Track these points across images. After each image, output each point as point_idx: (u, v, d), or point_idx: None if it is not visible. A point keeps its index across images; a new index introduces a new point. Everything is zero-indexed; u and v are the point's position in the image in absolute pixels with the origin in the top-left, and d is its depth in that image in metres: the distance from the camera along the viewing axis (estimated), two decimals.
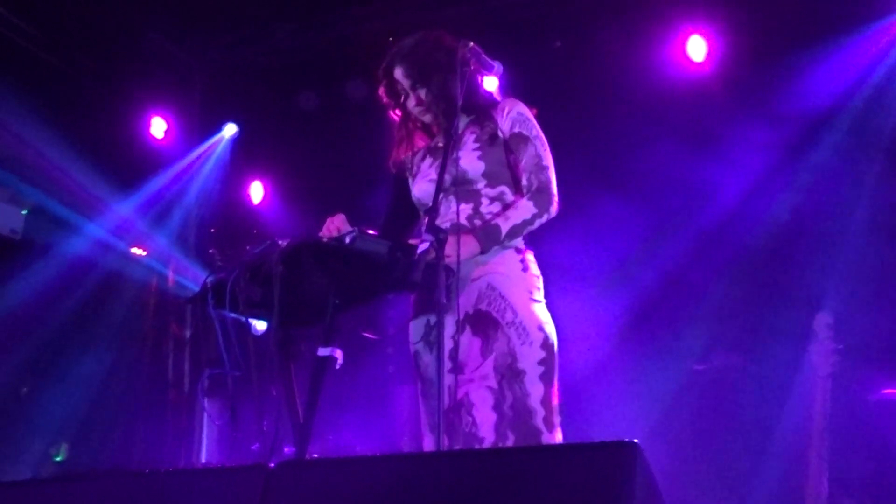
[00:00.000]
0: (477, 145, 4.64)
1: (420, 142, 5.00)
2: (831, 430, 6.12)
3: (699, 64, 8.83)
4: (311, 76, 10.31)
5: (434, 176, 4.63)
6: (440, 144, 4.78)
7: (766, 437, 7.99)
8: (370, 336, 4.98)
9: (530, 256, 4.58)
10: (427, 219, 4.13)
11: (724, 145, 8.64)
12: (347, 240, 4.21)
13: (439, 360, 3.86)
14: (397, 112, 5.01)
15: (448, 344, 4.36)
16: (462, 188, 4.56)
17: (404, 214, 4.98)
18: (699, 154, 8.64)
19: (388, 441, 9.37)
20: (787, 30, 8.43)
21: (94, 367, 10.09)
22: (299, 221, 10.36)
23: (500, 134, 4.64)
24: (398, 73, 4.84)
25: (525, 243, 4.58)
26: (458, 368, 4.38)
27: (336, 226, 4.47)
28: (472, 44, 4.49)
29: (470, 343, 4.43)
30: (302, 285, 4.32)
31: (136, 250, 10.44)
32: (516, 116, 4.65)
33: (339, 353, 4.35)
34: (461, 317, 4.41)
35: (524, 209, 4.46)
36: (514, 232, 4.44)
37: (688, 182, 8.68)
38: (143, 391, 10.30)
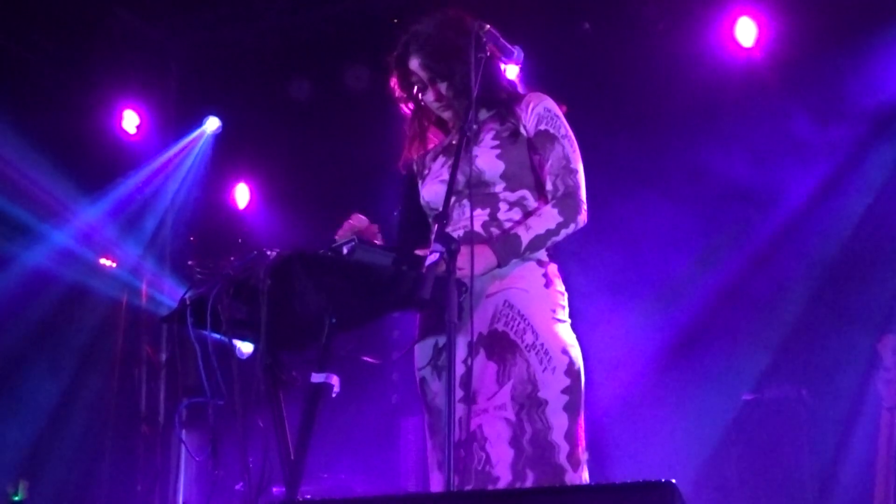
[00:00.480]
0: (496, 143, 4.63)
1: (434, 139, 5.00)
2: None
3: (749, 49, 8.86)
4: (304, 61, 10.34)
5: (446, 176, 4.57)
6: (454, 142, 4.70)
7: (826, 479, 8.01)
8: (371, 360, 5.00)
9: (554, 270, 4.56)
10: (437, 226, 4.10)
11: (777, 145, 8.67)
12: (345, 250, 4.22)
13: (449, 387, 3.83)
14: (409, 106, 5.00)
15: (459, 369, 4.34)
16: (478, 191, 4.54)
17: (419, 223, 4.94)
18: (749, 155, 8.67)
19: (391, 481, 9.39)
20: (850, 10, 8.45)
21: (56, 395, 10.13)
22: (290, 229, 10.40)
23: (522, 131, 4.63)
24: (414, 63, 4.82)
25: (549, 255, 4.56)
26: (470, 397, 4.35)
27: (352, 226, 4.49)
28: (488, 26, 4.50)
29: (484, 368, 4.40)
30: (293, 302, 4.33)
31: (104, 261, 10.48)
32: (543, 112, 4.63)
33: (335, 380, 4.36)
34: (474, 338, 4.37)
35: (548, 217, 4.45)
36: (536, 244, 4.42)
37: (738, 187, 8.71)
38: (111, 423, 10.32)
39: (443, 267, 3.95)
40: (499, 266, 4.40)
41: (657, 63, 8.88)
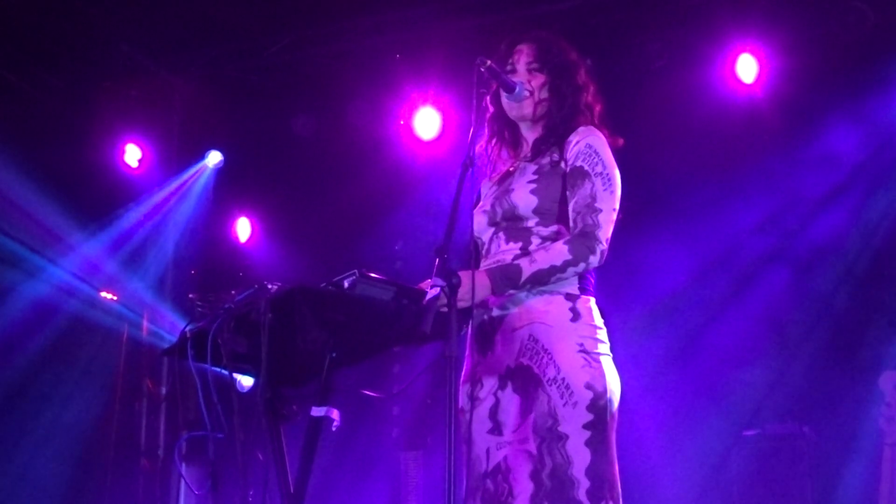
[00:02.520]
0: (535, 177, 4.61)
1: (506, 156, 4.93)
2: None
3: (749, 86, 8.88)
4: (307, 97, 10.36)
5: (488, 207, 4.66)
6: (511, 169, 4.77)
7: None
8: (372, 394, 4.98)
9: (586, 303, 4.50)
10: (438, 260, 4.05)
11: (776, 178, 8.68)
12: (346, 284, 4.22)
13: (448, 414, 3.85)
14: (492, 102, 4.84)
15: (489, 400, 4.42)
16: (512, 224, 4.56)
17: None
18: (748, 187, 8.69)
19: None
20: (850, 48, 8.47)
21: (56, 428, 10.11)
22: (291, 263, 10.41)
23: (563, 165, 4.61)
24: (524, 46, 4.81)
25: (581, 289, 4.51)
26: (497, 428, 4.41)
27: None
28: (489, 61, 4.50)
29: (510, 401, 4.42)
30: (294, 336, 4.32)
31: (105, 295, 10.47)
32: (583, 149, 4.57)
33: (335, 414, 4.36)
34: (503, 371, 4.43)
35: (555, 254, 4.40)
36: (537, 278, 4.37)
37: (738, 221, 8.73)
38: (111, 456, 10.29)
39: (444, 301, 3.95)
40: (493, 294, 4.38)
41: (659, 99, 8.89)
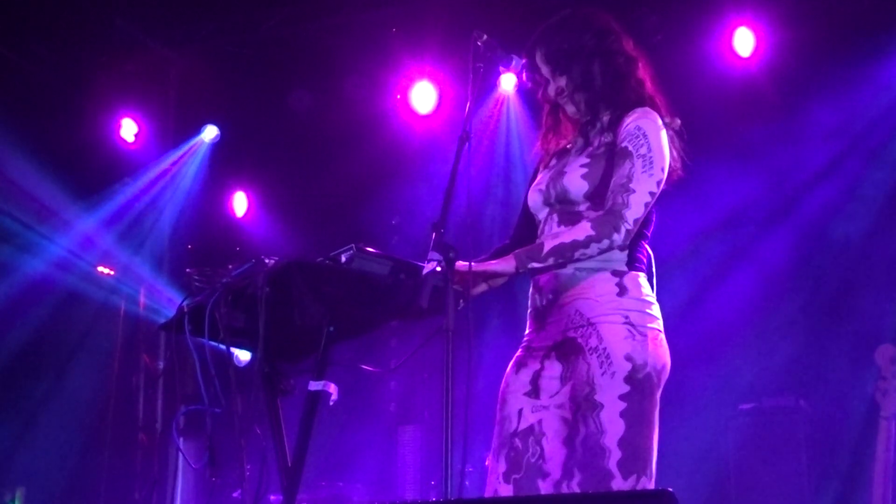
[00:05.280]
0: (587, 161, 4.58)
1: (569, 134, 4.89)
2: None
3: (745, 59, 8.87)
4: (303, 71, 10.35)
5: (543, 186, 4.65)
6: (569, 147, 4.76)
7: (823, 487, 8.01)
8: (369, 369, 4.98)
9: (635, 278, 4.49)
10: (434, 235, 4.08)
11: (772, 155, 8.68)
12: (344, 258, 4.22)
13: (446, 389, 3.86)
14: (546, 97, 4.85)
15: (534, 367, 4.46)
16: (564, 208, 4.56)
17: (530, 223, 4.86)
18: (743, 164, 8.68)
19: (389, 489, 9.39)
20: (848, 20, 8.46)
21: (53, 404, 10.12)
22: (288, 237, 10.41)
23: (615, 147, 4.57)
24: (538, 57, 4.74)
25: (629, 265, 4.50)
26: (535, 392, 4.44)
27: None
28: (485, 35, 4.49)
29: (552, 367, 4.46)
30: (291, 311, 4.32)
31: (101, 270, 10.47)
32: (632, 129, 4.54)
33: (333, 388, 4.36)
34: (551, 343, 4.46)
35: (579, 230, 4.39)
36: (558, 252, 4.36)
37: (735, 198, 8.72)
38: (109, 430, 10.31)
39: (441, 276, 3.96)
40: (516, 270, 4.39)
41: (656, 73, 8.86)
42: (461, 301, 4.15)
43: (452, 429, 3.85)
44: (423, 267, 4.01)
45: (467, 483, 6.31)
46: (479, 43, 4.45)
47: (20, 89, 9.94)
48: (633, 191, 4.42)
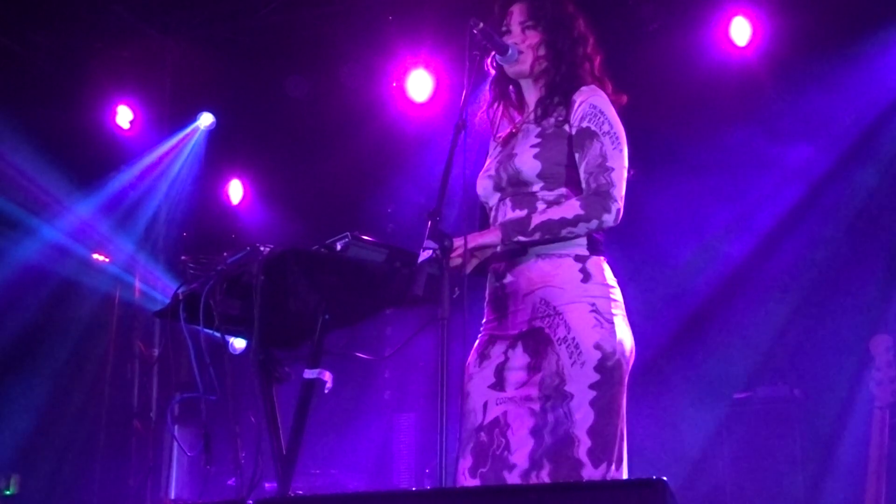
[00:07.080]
0: (538, 140, 4.58)
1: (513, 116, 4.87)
2: (890, 468, 6.13)
3: (742, 49, 8.87)
4: (299, 59, 10.33)
5: (493, 171, 4.64)
6: (514, 131, 4.73)
7: (818, 477, 8.01)
8: (364, 357, 4.98)
9: (597, 263, 4.49)
10: (430, 223, 4.06)
11: (770, 145, 8.67)
12: (339, 246, 4.22)
13: (441, 381, 3.85)
14: (493, 63, 4.76)
15: (498, 359, 4.42)
16: (517, 190, 4.54)
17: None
18: (740, 155, 8.68)
19: (384, 477, 9.40)
20: (845, 11, 8.45)
21: (49, 390, 10.12)
22: (284, 225, 10.40)
23: (567, 127, 4.57)
24: (517, 6, 4.73)
25: (590, 249, 4.49)
26: (500, 384, 4.40)
27: None
28: (482, 23, 4.48)
29: (518, 359, 4.42)
30: (287, 299, 4.33)
31: (97, 256, 10.46)
32: (588, 109, 4.54)
33: (328, 376, 4.37)
34: (516, 333, 4.43)
35: (567, 208, 4.39)
36: (546, 227, 4.35)
37: (730, 187, 8.71)
38: (104, 418, 10.31)
39: (436, 264, 3.95)
40: (502, 243, 4.38)
41: (651, 62, 8.86)
42: (456, 289, 4.15)
43: (447, 416, 3.85)
44: (419, 255, 4.00)
45: None
46: (475, 31, 4.44)
47: (16, 76, 9.93)
48: (612, 168, 4.47)
